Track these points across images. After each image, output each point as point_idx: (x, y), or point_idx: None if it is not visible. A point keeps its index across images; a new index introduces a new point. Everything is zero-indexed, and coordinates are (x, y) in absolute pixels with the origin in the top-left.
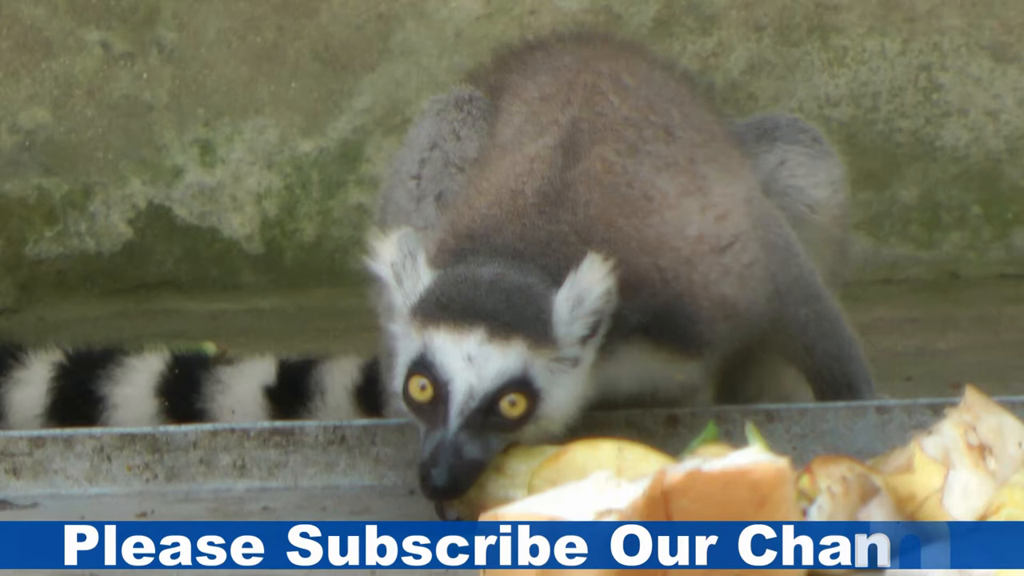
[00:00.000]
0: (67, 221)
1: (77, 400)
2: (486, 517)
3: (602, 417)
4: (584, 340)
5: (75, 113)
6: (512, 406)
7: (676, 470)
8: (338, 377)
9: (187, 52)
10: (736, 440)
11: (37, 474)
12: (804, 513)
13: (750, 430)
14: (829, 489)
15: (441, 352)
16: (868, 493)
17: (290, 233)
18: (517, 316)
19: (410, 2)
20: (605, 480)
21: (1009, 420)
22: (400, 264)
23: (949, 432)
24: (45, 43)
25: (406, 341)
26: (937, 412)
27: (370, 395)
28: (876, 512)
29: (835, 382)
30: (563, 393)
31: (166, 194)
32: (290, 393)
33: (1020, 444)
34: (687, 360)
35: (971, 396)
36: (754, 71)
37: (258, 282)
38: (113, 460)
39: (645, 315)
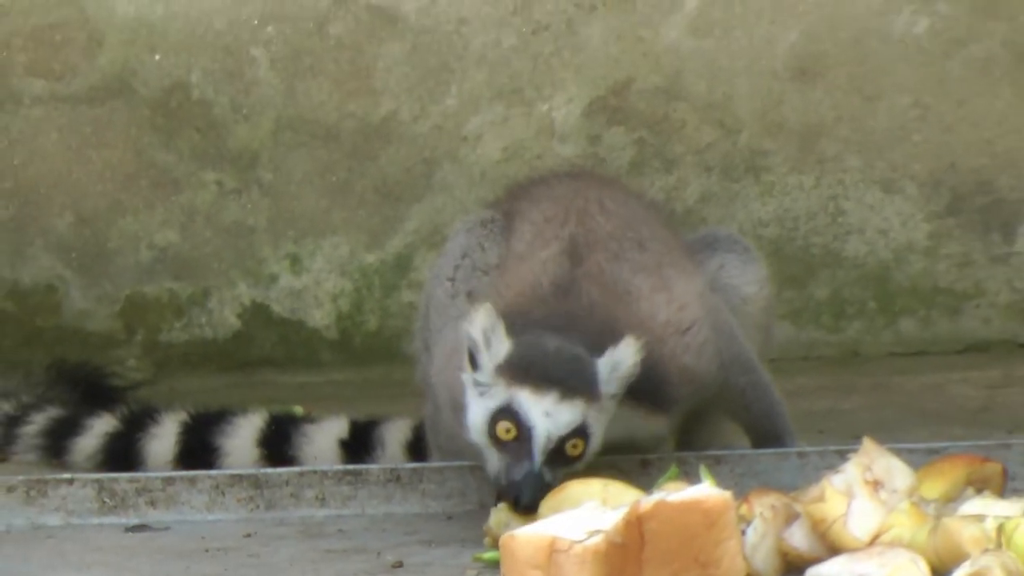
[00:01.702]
0: (191, 315)
1: (198, 449)
2: (504, 539)
3: (592, 461)
4: (614, 396)
5: (197, 234)
6: (574, 448)
7: (647, 500)
8: (395, 433)
9: (281, 187)
10: (692, 478)
11: (169, 505)
12: (743, 533)
13: (703, 470)
14: (762, 514)
15: (526, 406)
16: (791, 517)
17: (358, 324)
18: (578, 381)
19: (447, 150)
20: (594, 508)
21: (896, 462)
22: (488, 331)
23: (851, 471)
24: (174, 181)
25: (491, 390)
26: (843, 456)
27: (417, 447)
28: (797, 532)
29: (767, 434)
30: (599, 434)
31: (265, 295)
32: (359, 445)
33: (899, 489)
34: (658, 415)
35: (868, 444)
36: (705, 201)
37: (334, 361)
38: (226, 494)
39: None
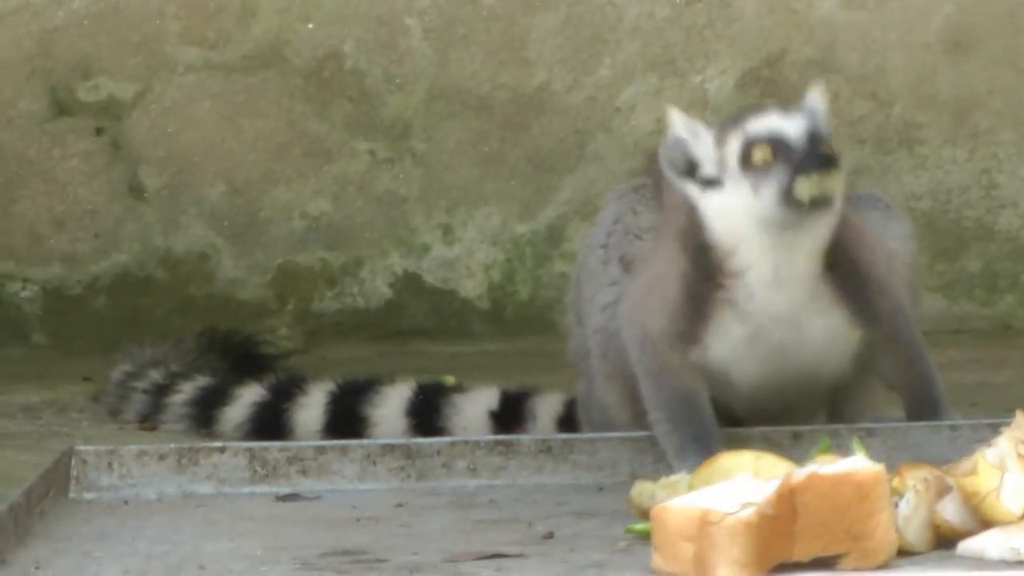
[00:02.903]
0: (343, 284)
1: (346, 419)
2: (656, 510)
3: (744, 433)
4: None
5: (349, 204)
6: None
7: (799, 472)
8: (546, 407)
9: (433, 157)
10: (844, 451)
11: (321, 474)
12: (896, 506)
13: (855, 443)
14: (914, 487)
15: (766, 122)
16: (943, 491)
17: (510, 294)
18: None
19: (600, 121)
20: (746, 480)
21: None
22: (692, 127)
23: (1004, 445)
24: (327, 151)
25: (724, 155)
26: (995, 430)
27: (569, 422)
28: (949, 506)
29: (924, 397)
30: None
31: (417, 265)
32: (509, 417)
33: None
34: (857, 323)
35: (1021, 418)
36: (858, 173)
37: (486, 331)
38: (377, 464)
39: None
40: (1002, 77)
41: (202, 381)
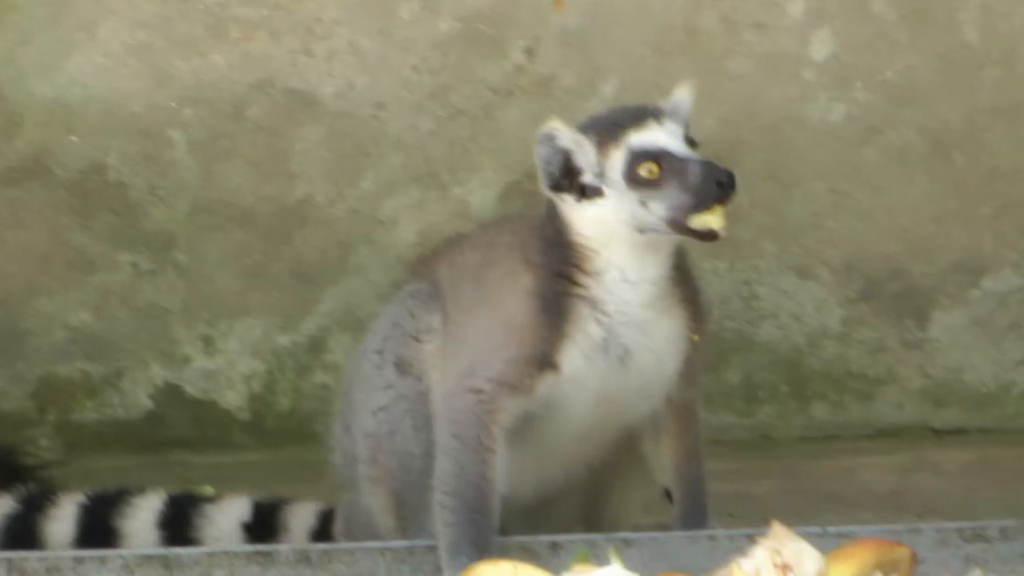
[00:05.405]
0: (104, 396)
1: (98, 531)
2: None
3: (503, 542)
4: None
5: (111, 315)
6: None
7: None
8: (299, 518)
9: (195, 270)
10: (601, 561)
11: None
12: None
13: (611, 553)
14: None
15: (652, 138)
16: None
17: (271, 405)
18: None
19: (362, 233)
20: None
21: (806, 546)
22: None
23: (761, 555)
24: (89, 262)
25: (608, 166)
26: (752, 540)
27: (322, 534)
28: None
29: (697, 495)
30: None
31: (178, 376)
32: (262, 528)
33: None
34: (691, 327)
35: (777, 528)
36: None
37: (247, 441)
38: (135, 574)
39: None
40: (764, 190)
41: None
